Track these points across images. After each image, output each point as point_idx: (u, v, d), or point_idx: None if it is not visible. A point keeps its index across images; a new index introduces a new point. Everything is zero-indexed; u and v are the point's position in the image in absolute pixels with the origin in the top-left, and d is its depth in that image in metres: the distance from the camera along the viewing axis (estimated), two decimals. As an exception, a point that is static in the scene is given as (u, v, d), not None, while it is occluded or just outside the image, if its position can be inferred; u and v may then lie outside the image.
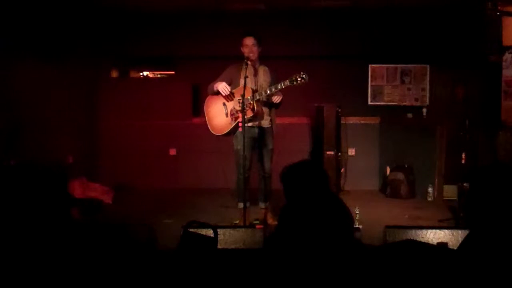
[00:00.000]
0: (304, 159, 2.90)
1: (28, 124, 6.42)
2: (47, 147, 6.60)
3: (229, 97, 5.41)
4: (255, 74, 5.43)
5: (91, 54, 7.97)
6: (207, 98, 5.62)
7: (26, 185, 2.27)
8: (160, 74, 9.03)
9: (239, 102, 5.24)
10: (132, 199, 7.19)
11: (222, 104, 5.49)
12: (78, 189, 6.63)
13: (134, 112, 8.07)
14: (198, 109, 8.37)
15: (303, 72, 5.09)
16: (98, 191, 6.86)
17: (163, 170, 8.01)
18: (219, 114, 5.48)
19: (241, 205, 5.40)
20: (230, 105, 5.43)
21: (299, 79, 5.08)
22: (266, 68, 5.51)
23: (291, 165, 2.57)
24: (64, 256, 2.25)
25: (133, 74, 9.02)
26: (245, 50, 5.35)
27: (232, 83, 5.44)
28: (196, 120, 8.12)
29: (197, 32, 7.91)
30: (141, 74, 8.97)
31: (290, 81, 5.11)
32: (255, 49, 5.37)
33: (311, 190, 2.45)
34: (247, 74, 5.14)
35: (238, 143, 5.37)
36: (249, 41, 5.35)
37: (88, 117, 8.05)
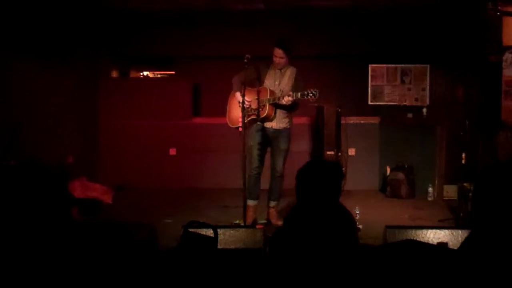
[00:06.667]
0: (320, 159, 2.90)
1: (28, 124, 6.41)
2: (47, 147, 6.59)
3: (249, 95, 5.49)
4: (281, 76, 5.53)
5: (91, 54, 7.96)
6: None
7: (26, 185, 2.26)
8: (160, 74, 9.04)
9: (256, 101, 5.40)
10: (132, 199, 7.18)
11: None
12: (78, 189, 6.62)
13: (134, 112, 8.06)
14: (198, 109, 8.39)
15: (316, 89, 5.21)
16: (98, 191, 6.85)
17: (163, 170, 8.00)
18: (237, 107, 5.57)
19: (250, 202, 5.43)
20: (248, 102, 5.49)
21: (310, 94, 5.21)
22: (294, 70, 5.59)
23: (308, 163, 2.54)
24: (64, 256, 2.25)
25: (133, 74, 9.03)
26: (274, 59, 5.47)
27: (256, 79, 5.55)
28: (196, 120, 8.14)
29: (197, 32, 7.90)
30: (141, 74, 8.98)
31: (301, 95, 5.26)
32: (283, 60, 5.46)
33: (325, 191, 2.42)
34: (271, 76, 5.43)
35: (251, 140, 5.47)
36: (277, 53, 5.44)
37: (88, 117, 8.03)
